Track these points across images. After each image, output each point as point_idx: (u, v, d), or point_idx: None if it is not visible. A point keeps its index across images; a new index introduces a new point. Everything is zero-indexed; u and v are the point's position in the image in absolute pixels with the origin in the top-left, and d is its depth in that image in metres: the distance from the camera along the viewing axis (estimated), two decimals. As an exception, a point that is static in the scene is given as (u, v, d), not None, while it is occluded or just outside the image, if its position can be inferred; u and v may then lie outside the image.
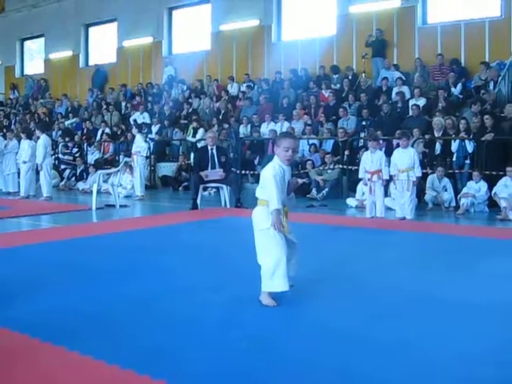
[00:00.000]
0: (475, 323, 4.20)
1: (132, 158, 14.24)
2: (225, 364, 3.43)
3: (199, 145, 15.28)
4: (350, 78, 16.91)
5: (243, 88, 18.93)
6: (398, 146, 10.85)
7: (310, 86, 17.39)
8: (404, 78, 15.82)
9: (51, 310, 4.47)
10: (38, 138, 13.90)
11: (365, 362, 3.44)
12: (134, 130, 14.58)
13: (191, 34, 21.71)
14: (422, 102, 14.68)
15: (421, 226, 9.57)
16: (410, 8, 16.66)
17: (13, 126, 21.94)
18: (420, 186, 11.27)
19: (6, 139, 16.01)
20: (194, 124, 17.03)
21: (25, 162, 13.92)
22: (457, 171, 12.35)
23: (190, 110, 18.64)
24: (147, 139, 15.38)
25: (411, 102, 14.67)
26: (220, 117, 17.79)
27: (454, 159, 12.55)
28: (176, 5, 21.95)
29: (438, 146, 12.96)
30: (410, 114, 14.26)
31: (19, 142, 14.90)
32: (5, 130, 21.36)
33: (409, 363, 3.43)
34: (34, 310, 4.48)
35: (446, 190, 11.57)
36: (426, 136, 13.11)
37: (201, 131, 16.70)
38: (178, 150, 17.60)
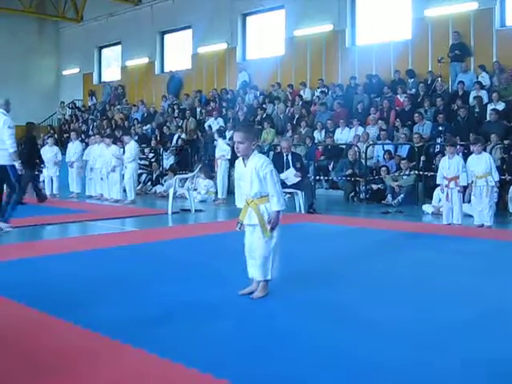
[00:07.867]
0: None
1: (216, 163, 14.55)
2: (288, 367, 3.46)
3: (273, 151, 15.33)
4: (428, 82, 16.65)
5: (317, 93, 18.90)
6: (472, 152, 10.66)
7: (385, 91, 17.24)
8: (482, 83, 15.50)
9: (130, 313, 4.57)
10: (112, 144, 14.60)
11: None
12: (216, 136, 14.92)
13: (265, 40, 21.87)
14: (500, 106, 14.35)
15: (500, 234, 9.38)
16: (488, 10, 16.26)
17: (90, 132, 22.50)
18: (499, 193, 11.01)
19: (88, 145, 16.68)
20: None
21: (115, 167, 14.39)
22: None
23: (264, 116, 18.73)
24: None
25: (489, 107, 14.38)
26: (294, 122, 17.82)
27: (535, 165, 12.23)
28: (250, 11, 22.12)
29: (517, 152, 12.67)
30: (488, 118, 13.97)
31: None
32: (83, 136, 21.99)
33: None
34: (114, 312, 4.58)
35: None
36: (505, 141, 12.82)
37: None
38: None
